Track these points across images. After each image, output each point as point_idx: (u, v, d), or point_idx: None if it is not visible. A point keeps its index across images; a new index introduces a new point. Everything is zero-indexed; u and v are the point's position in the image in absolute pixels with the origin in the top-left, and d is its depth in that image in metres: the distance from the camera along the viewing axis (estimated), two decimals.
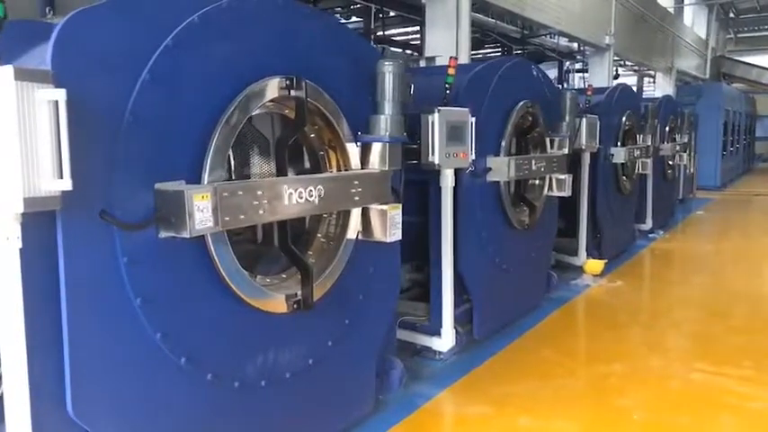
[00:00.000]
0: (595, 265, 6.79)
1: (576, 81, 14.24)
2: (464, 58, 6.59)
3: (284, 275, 2.95)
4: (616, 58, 13.16)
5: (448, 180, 4.01)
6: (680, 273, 7.44)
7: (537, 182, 5.29)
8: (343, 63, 3.01)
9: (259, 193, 2.45)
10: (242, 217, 2.38)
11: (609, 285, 6.45)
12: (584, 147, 6.37)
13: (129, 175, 2.13)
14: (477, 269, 4.49)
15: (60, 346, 2.02)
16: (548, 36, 10.52)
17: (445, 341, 4.16)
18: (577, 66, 13.45)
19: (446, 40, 6.77)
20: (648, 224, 9.06)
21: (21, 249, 1.85)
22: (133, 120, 2.11)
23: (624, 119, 7.38)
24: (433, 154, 3.81)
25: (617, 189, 7.43)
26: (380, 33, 8.58)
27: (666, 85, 16.59)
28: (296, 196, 2.61)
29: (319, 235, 3.12)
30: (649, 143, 8.14)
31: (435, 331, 4.22)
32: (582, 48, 11.71)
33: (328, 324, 3.09)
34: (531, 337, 4.90)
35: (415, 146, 3.79)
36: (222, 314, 2.52)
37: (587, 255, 6.90)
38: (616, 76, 14.66)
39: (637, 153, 7.66)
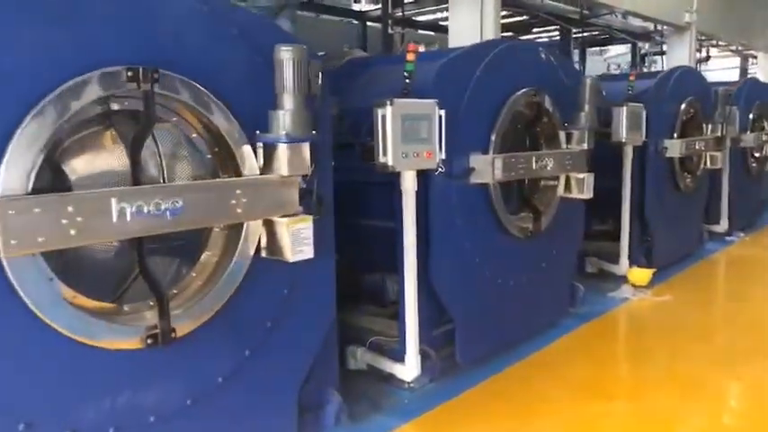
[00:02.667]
0: (640, 275, 5.93)
1: (660, 64, 12.88)
2: (490, 34, 5.92)
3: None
4: (702, 37, 11.82)
5: (408, 183, 3.44)
6: (750, 287, 6.36)
7: (550, 182, 4.58)
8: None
9: (70, 209, 2.02)
10: (40, 240, 1.96)
11: (652, 300, 5.59)
12: (624, 139, 5.56)
13: None
14: (458, 284, 3.89)
15: None
16: (615, 15, 9.49)
17: (409, 369, 3.60)
18: (658, 48, 12.16)
19: (470, 21, 6.10)
20: (724, 226, 7.95)
21: None
22: None
23: (684, 106, 6.41)
24: (385, 154, 3.26)
25: (674, 186, 6.48)
26: (404, 15, 7.93)
27: None
28: (131, 211, 2.15)
29: (208, 252, 2.66)
30: (720, 133, 7.08)
31: (402, 357, 3.67)
32: (658, 27, 10.53)
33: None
34: (531, 362, 4.23)
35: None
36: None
37: (632, 262, 6.06)
38: (706, 58, 13.23)
39: (701, 145, 6.66)
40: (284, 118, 2.58)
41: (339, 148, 3.15)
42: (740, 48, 15.04)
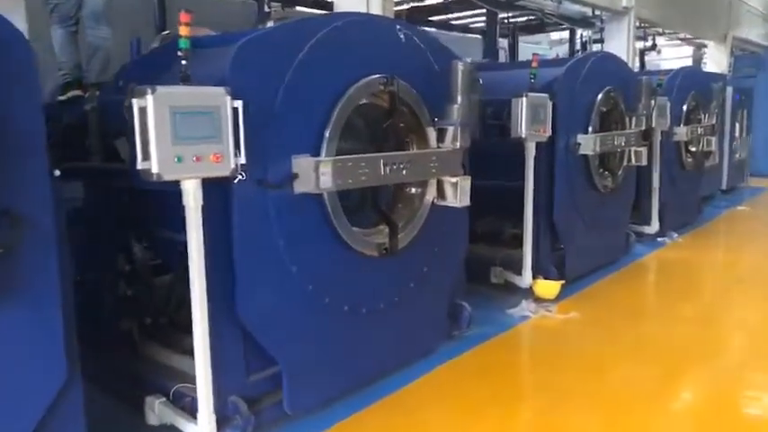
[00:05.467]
0: (547, 288, 5.26)
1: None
2: (376, 10, 5.12)
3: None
4: (645, 25, 11.19)
5: (190, 197, 2.67)
6: (672, 298, 5.71)
7: (414, 189, 3.87)
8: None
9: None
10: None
11: (555, 318, 4.92)
12: (524, 135, 4.89)
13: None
14: (280, 318, 3.15)
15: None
16: None
17: (202, 429, 2.83)
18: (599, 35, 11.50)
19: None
20: (654, 227, 7.35)
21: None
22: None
23: (601, 97, 5.72)
24: (146, 158, 2.52)
25: (590, 187, 5.82)
26: None
27: (721, 56, 14.28)
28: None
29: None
30: (644, 127, 6.43)
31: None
32: (597, 12, 9.89)
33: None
34: (387, 405, 3.52)
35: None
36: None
37: (542, 273, 5.38)
38: (652, 47, 12.62)
39: (621, 140, 6.00)
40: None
41: None
42: (689, 37, 14.50)
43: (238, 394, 3.05)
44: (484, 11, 8.63)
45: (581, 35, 11.21)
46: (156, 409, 3.11)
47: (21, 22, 3.23)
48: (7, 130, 2.13)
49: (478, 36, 10.50)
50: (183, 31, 2.61)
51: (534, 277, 5.29)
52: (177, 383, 3.17)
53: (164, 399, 3.13)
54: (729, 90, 11.01)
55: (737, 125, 11.37)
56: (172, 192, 2.71)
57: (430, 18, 9.52)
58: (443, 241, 4.08)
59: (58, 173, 2.34)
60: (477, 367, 4.06)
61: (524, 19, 9.56)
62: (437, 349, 4.17)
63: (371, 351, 3.66)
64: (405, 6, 8.16)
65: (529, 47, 11.49)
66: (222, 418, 2.96)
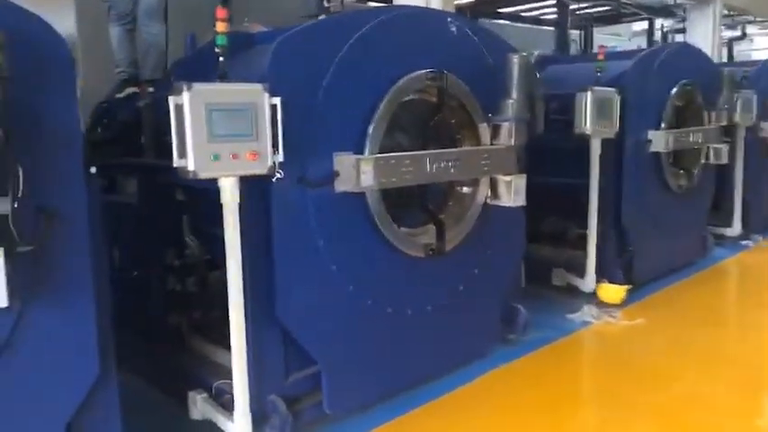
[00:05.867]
0: (611, 292, 5.00)
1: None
2: (436, 4, 4.99)
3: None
4: (733, 12, 10.51)
5: (227, 194, 2.65)
6: (748, 306, 5.31)
7: (465, 188, 3.73)
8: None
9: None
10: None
11: (619, 324, 4.65)
12: (589, 131, 4.66)
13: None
14: (320, 319, 3.10)
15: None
16: None
17: (239, 429, 2.82)
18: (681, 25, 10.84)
19: None
20: (737, 229, 6.86)
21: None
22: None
23: (676, 91, 5.38)
24: (183, 156, 2.53)
25: (663, 186, 5.48)
26: None
27: None
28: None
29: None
30: (726, 122, 6.00)
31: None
32: (678, 1, 9.33)
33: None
34: (432, 409, 3.42)
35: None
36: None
37: (607, 276, 5.12)
38: (741, 36, 11.85)
39: (698, 137, 5.61)
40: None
41: None
42: None
43: (278, 393, 3.02)
44: (555, 1, 8.30)
45: (662, 25, 10.63)
46: (198, 404, 3.13)
47: (69, 22, 3.31)
48: (43, 127, 2.17)
49: (551, 28, 10.15)
50: (220, 27, 2.60)
51: (599, 281, 5.04)
52: (221, 379, 3.18)
53: (205, 394, 3.15)
54: None
55: None
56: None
57: (499, 10, 9.24)
58: (497, 242, 3.92)
59: (93, 170, 2.36)
60: (531, 373, 3.89)
61: (600, 9, 9.15)
62: (489, 354, 4.02)
63: (417, 354, 3.56)
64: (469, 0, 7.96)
65: (606, 38, 10.98)
66: (261, 417, 2.96)
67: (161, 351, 3.68)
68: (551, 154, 5.22)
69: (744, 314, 5.13)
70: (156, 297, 3.75)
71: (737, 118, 6.33)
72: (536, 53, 6.51)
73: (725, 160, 5.98)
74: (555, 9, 8.53)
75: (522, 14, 10.06)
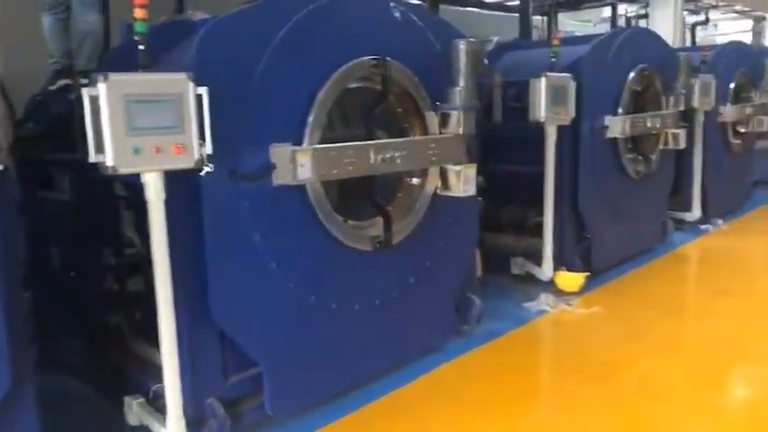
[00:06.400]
0: (569, 280, 4.95)
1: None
2: None
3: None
4: None
5: (151, 191, 2.52)
6: (706, 291, 5.31)
7: (413, 179, 3.64)
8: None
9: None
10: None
11: (575, 313, 4.61)
12: (543, 118, 4.57)
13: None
14: (259, 318, 2.99)
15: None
16: None
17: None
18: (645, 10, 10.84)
19: None
20: (696, 213, 6.88)
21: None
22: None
23: (633, 75, 5.33)
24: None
25: (620, 172, 5.46)
26: None
27: None
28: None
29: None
30: (683, 107, 5.99)
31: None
32: None
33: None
34: (383, 406, 3.33)
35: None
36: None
37: (566, 264, 5.08)
38: (704, 21, 11.89)
39: (655, 122, 5.58)
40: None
41: None
42: (746, 9, 13.65)
43: (216, 396, 2.91)
44: None
45: (625, 11, 10.62)
46: (134, 409, 3.00)
47: None
48: None
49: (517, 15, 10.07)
50: (139, 13, 2.44)
51: (557, 269, 5.00)
52: (160, 382, 3.05)
53: (142, 399, 3.02)
54: None
55: None
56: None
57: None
58: (449, 233, 3.84)
59: (1, 167, 2.21)
60: (483, 366, 3.82)
61: None
62: (443, 347, 3.95)
63: (366, 350, 3.46)
64: None
65: (576, 24, 10.93)
66: (198, 421, 2.84)
67: (102, 354, 3.54)
68: (511, 141, 5.18)
69: (700, 301, 5.14)
70: (96, 298, 3.60)
71: (696, 103, 6.33)
72: (495, 39, 6.43)
73: (682, 145, 5.97)
74: None
75: (486, 1, 9.98)
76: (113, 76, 2.34)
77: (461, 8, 9.52)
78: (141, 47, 2.47)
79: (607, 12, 13.23)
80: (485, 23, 10.02)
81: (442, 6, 8.07)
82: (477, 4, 9.85)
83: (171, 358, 2.63)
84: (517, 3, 9.27)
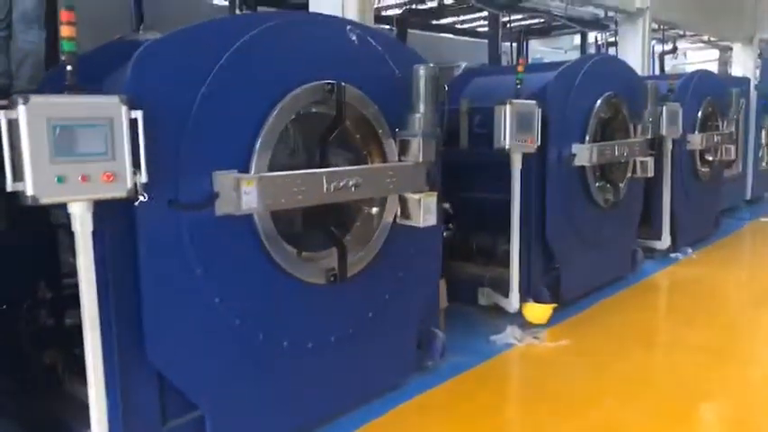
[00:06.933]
0: (537, 312, 4.82)
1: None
2: (352, 14, 4.65)
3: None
4: (662, 27, 10.64)
5: (78, 222, 2.32)
6: (676, 323, 5.21)
7: (372, 208, 3.47)
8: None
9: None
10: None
11: (543, 346, 4.46)
12: (508, 146, 4.46)
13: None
14: (199, 358, 2.78)
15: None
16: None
17: None
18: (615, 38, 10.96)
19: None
20: (665, 242, 6.83)
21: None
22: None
23: (600, 103, 5.27)
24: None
25: (588, 201, 5.36)
26: None
27: (747, 59, 13.58)
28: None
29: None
30: (650, 135, 5.94)
31: None
32: (610, 14, 9.39)
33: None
34: None
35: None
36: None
37: (533, 295, 4.94)
38: (672, 50, 12.05)
39: (623, 150, 5.51)
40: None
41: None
42: (713, 39, 13.86)
43: None
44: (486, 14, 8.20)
45: (596, 38, 10.70)
46: None
47: None
48: None
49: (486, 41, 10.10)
50: (65, 31, 2.27)
51: (524, 300, 4.86)
52: None
53: None
54: (754, 95, 10.43)
55: (763, 132, 10.78)
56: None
57: (433, 22, 9.09)
58: (410, 264, 3.68)
59: None
60: (445, 405, 3.64)
61: (533, 21, 9.10)
62: (404, 384, 3.76)
63: (321, 389, 3.27)
64: (398, 11, 7.75)
65: (547, 51, 10.98)
66: None
67: (35, 396, 3.28)
68: (478, 168, 5.08)
69: (670, 332, 5.02)
70: (30, 334, 3.35)
71: (663, 131, 6.31)
72: (463, 65, 6.37)
73: (651, 173, 5.91)
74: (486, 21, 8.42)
75: (457, 27, 9.96)
76: (35, 99, 2.16)
77: (432, 33, 9.48)
78: (69, 67, 2.29)
79: (579, 39, 13.41)
80: (456, 49, 10.01)
81: (411, 32, 8.01)
82: (448, 29, 9.83)
83: (98, 402, 2.41)
84: (487, 29, 9.28)
